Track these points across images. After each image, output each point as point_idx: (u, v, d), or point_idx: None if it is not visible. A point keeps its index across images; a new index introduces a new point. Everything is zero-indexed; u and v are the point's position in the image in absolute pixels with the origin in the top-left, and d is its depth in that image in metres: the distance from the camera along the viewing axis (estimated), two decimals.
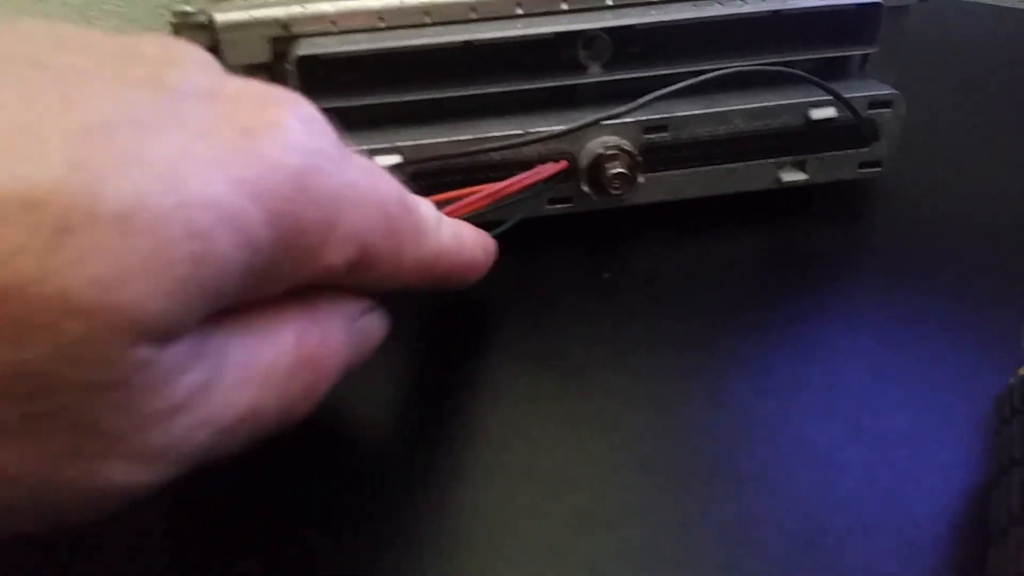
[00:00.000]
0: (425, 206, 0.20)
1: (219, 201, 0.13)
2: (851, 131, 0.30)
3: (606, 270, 0.29)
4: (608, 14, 0.29)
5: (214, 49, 0.28)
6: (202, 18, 0.28)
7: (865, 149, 0.31)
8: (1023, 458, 0.17)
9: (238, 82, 0.16)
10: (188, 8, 0.28)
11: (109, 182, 0.12)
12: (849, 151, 0.31)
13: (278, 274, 0.15)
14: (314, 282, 0.17)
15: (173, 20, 0.28)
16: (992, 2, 0.55)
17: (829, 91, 0.29)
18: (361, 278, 0.18)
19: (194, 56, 0.16)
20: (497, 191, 0.26)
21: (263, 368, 0.16)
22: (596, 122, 0.27)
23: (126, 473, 0.13)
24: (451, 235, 0.21)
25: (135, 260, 0.12)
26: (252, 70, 0.28)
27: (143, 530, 0.20)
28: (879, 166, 0.31)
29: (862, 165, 0.31)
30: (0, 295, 0.11)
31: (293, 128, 0.15)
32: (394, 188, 0.18)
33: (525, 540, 0.19)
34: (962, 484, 0.20)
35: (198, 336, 0.14)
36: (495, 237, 0.25)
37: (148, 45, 0.16)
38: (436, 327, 0.27)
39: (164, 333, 0.13)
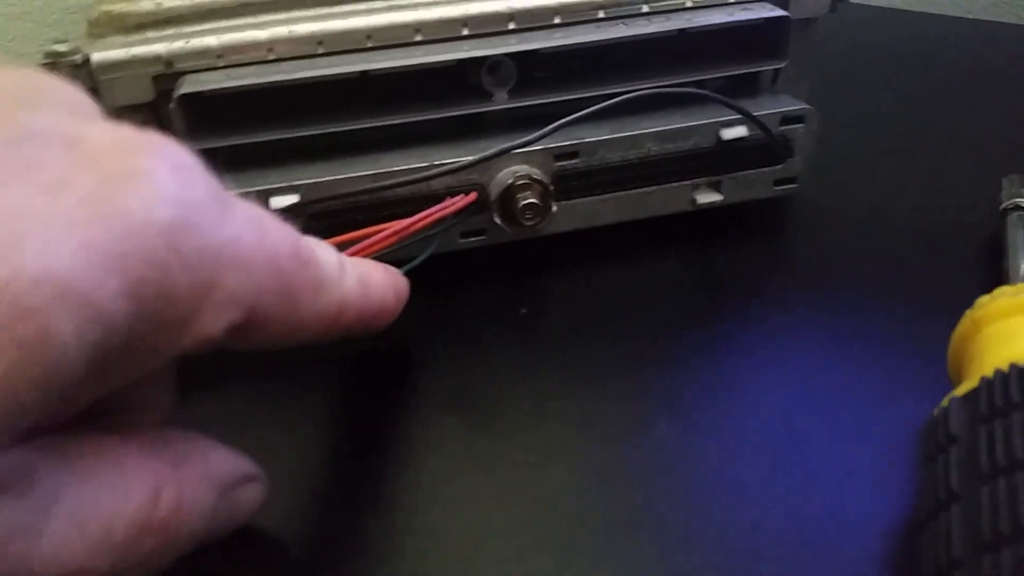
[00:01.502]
0: (325, 252, 0.18)
1: (59, 273, 0.11)
2: (764, 149, 0.30)
3: (524, 303, 0.28)
4: (511, 38, 0.28)
5: (94, 90, 0.26)
6: (77, 57, 0.26)
7: (779, 166, 0.30)
8: (948, 501, 0.16)
9: (104, 126, 0.14)
10: (60, 48, 0.26)
11: None
12: (763, 169, 0.30)
13: (138, 352, 0.13)
14: (188, 352, 0.14)
15: (45, 61, 0.26)
16: (903, 7, 0.56)
17: (738, 110, 0.28)
18: (250, 340, 0.16)
19: (57, 93, 0.14)
20: (404, 228, 0.25)
21: (101, 526, 0.13)
22: (504, 152, 0.26)
23: None
24: (356, 281, 0.19)
25: None
26: (133, 111, 0.26)
27: None
28: (795, 182, 0.31)
29: (777, 183, 0.31)
30: None
31: (163, 177, 0.13)
32: (286, 239, 0.16)
33: None
34: (890, 519, 0.19)
35: (27, 461, 0.12)
36: (405, 274, 0.23)
37: (6, 74, 0.14)
38: (347, 372, 0.26)
39: None
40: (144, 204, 0.13)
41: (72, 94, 0.15)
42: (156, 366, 0.14)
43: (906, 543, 0.19)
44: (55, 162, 0.12)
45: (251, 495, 0.18)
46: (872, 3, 0.56)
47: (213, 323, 0.14)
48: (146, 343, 0.13)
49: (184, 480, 0.15)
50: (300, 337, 0.17)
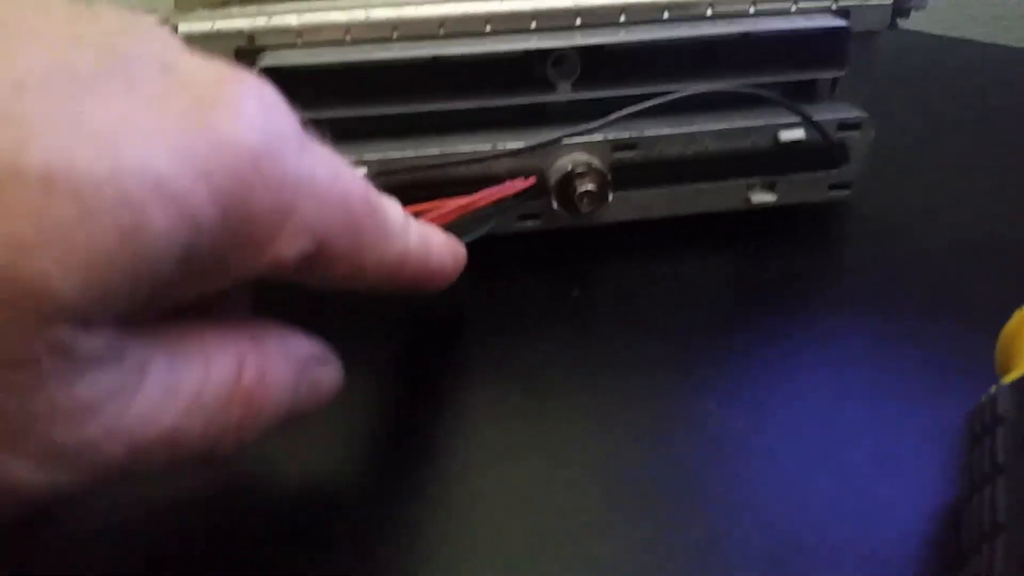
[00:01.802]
0: (392, 207, 0.19)
1: (159, 172, 0.12)
2: (820, 153, 0.30)
3: (575, 288, 0.29)
4: (577, 33, 0.29)
5: None
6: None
7: (834, 171, 0.31)
8: (993, 474, 0.16)
9: (197, 58, 0.15)
10: (151, 18, 0.27)
11: (37, 139, 0.11)
12: (818, 173, 0.31)
13: (222, 263, 0.14)
14: (263, 274, 0.15)
15: None
16: (956, 35, 0.56)
17: (798, 112, 0.29)
18: (316, 274, 0.17)
19: (153, 27, 0.15)
20: (464, 205, 0.26)
21: (190, 393, 0.14)
22: (563, 137, 0.27)
23: (27, 470, 0.12)
24: (419, 239, 0.20)
25: (55, 224, 0.11)
26: None
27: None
28: (848, 188, 0.31)
29: (831, 187, 0.31)
30: None
31: (251, 106, 0.14)
32: (359, 184, 0.17)
33: (487, 557, 0.19)
34: (933, 503, 0.20)
35: (120, 339, 0.13)
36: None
37: (107, 11, 0.15)
38: (403, 346, 0.27)
39: (82, 313, 0.12)
40: (234, 127, 0.14)
41: (161, 29, 0.16)
42: (234, 281, 0.15)
43: (948, 526, 0.19)
44: (153, 83, 0.13)
45: (329, 375, 0.19)
46: (927, 30, 0.56)
47: (288, 247, 0.15)
48: (227, 256, 0.14)
49: (265, 355, 0.16)
50: (363, 280, 0.18)
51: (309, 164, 0.15)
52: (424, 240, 0.20)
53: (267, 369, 0.16)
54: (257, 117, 0.14)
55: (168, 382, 0.14)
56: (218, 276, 0.15)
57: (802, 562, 0.19)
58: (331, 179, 0.16)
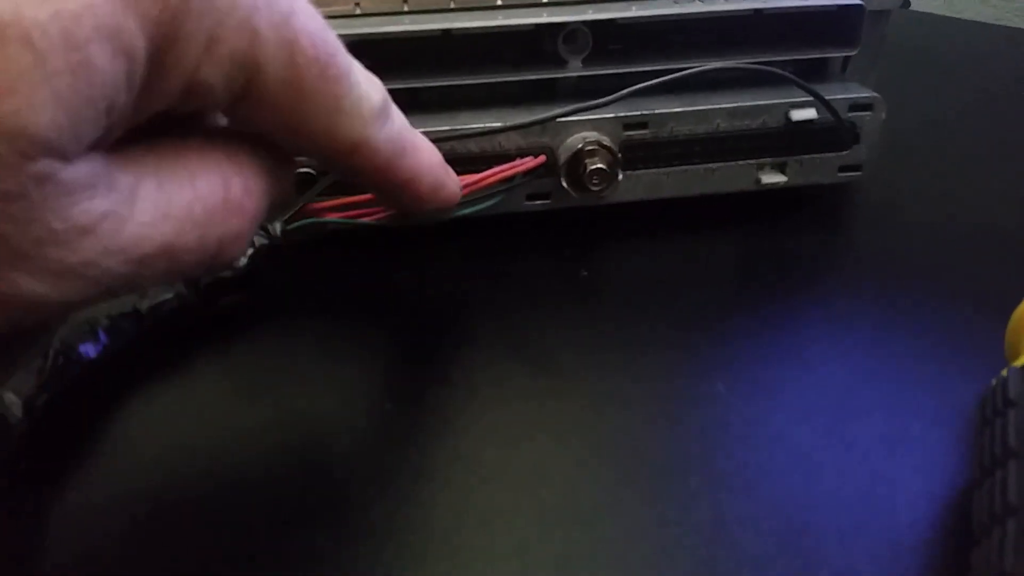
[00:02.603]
0: (369, 87, 0.18)
1: (95, 11, 0.13)
2: (831, 134, 0.30)
3: (584, 268, 0.29)
4: (589, 8, 0.28)
5: None
6: None
7: (845, 152, 0.30)
8: (1004, 457, 0.16)
9: None
10: None
11: None
12: (829, 154, 0.30)
13: (159, 87, 0.15)
14: (196, 105, 0.16)
15: None
16: (968, 17, 0.56)
17: (810, 91, 0.29)
18: (248, 119, 0.17)
19: None
20: (474, 182, 0.26)
21: (181, 209, 0.16)
22: (573, 112, 0.27)
23: (33, 285, 0.14)
24: (395, 137, 0.19)
25: (15, 70, 0.12)
26: None
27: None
28: (859, 170, 0.31)
29: (842, 169, 0.31)
30: None
31: None
32: (320, 39, 0.17)
33: (496, 537, 0.19)
34: (943, 486, 0.20)
35: (106, 168, 0.14)
36: (467, 217, 0.24)
37: None
38: (412, 323, 0.27)
39: (58, 147, 0.13)
40: None
41: None
42: (171, 103, 0.16)
43: (958, 509, 0.19)
44: None
45: (290, 174, 0.19)
46: (937, 12, 0.56)
47: (214, 72, 0.15)
48: (160, 79, 0.15)
49: (243, 167, 0.17)
50: (307, 148, 0.18)
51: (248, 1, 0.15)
52: (405, 145, 0.20)
53: (248, 180, 0.17)
54: None
55: (159, 201, 0.15)
56: (156, 99, 0.15)
57: (811, 545, 0.19)
58: (281, 19, 0.16)
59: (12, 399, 0.20)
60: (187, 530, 0.19)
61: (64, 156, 0.13)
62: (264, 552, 0.19)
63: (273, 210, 0.19)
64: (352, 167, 0.19)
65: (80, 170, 0.14)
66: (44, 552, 0.19)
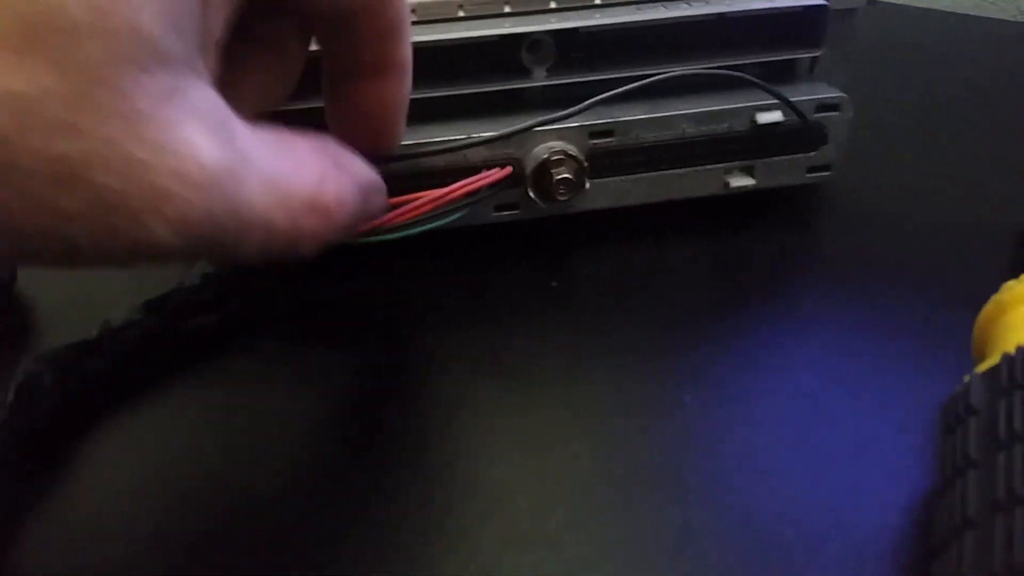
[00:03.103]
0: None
1: None
2: (799, 135, 0.30)
3: (554, 278, 0.29)
4: (552, 17, 0.28)
5: None
6: None
7: (813, 153, 0.30)
8: (964, 467, 0.16)
9: None
10: None
11: None
12: (797, 155, 0.30)
13: None
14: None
15: None
16: (942, 8, 0.56)
17: (775, 94, 0.29)
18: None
19: None
20: (440, 196, 0.26)
21: (284, 191, 0.17)
22: (538, 125, 0.27)
23: (162, 234, 0.14)
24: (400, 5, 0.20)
25: None
26: None
27: None
28: (828, 170, 0.31)
29: (810, 170, 0.31)
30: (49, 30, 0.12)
31: None
32: None
33: (463, 561, 0.19)
34: (908, 494, 0.20)
35: (227, 117, 0.15)
36: (432, 232, 0.25)
37: None
38: (381, 336, 0.27)
39: (164, 47, 0.14)
40: None
41: None
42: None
43: (922, 519, 0.19)
44: None
45: (380, 202, 0.22)
46: (907, 3, 0.56)
47: None
48: None
49: (342, 178, 0.19)
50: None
51: None
52: (404, 21, 0.21)
53: (341, 190, 0.18)
54: None
55: (268, 177, 0.16)
56: None
57: (778, 554, 0.19)
58: None
59: None
60: (166, 550, 0.19)
61: (178, 62, 0.14)
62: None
63: (349, 231, 0.20)
64: (363, 27, 0.20)
65: (202, 94, 0.15)
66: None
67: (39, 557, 0.20)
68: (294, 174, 0.17)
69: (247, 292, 0.27)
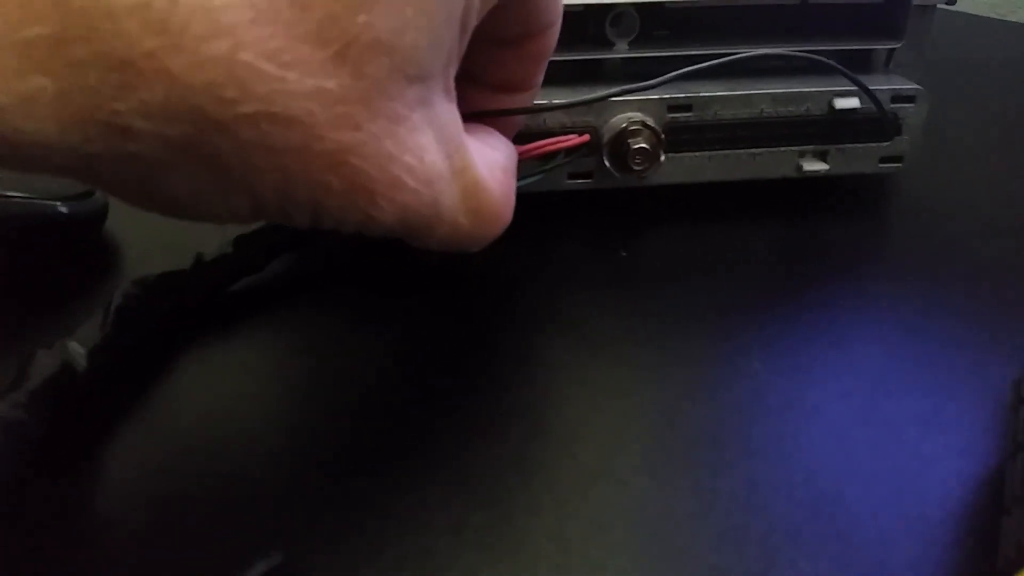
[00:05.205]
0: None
1: None
2: (874, 124, 0.30)
3: (624, 249, 0.29)
4: None
5: None
6: None
7: (887, 143, 0.31)
8: None
9: None
10: None
11: None
12: (871, 144, 0.31)
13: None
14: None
15: None
16: (1013, 20, 0.56)
17: (854, 80, 0.29)
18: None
19: None
20: (520, 152, 0.26)
21: (496, 167, 0.21)
22: (620, 93, 0.27)
23: (380, 215, 0.17)
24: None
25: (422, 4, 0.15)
26: None
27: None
28: (899, 162, 0.31)
29: (883, 160, 0.31)
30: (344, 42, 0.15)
31: None
32: None
33: (535, 494, 0.19)
34: (976, 464, 0.20)
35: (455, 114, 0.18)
36: None
37: None
38: (457, 296, 0.27)
39: (427, 66, 0.16)
40: None
41: None
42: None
43: (989, 488, 0.19)
44: None
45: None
46: (982, 14, 0.56)
47: None
48: None
49: (512, 190, 0.22)
50: (523, 18, 0.21)
51: None
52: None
53: (512, 202, 0.22)
54: None
55: (484, 158, 0.20)
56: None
57: (842, 513, 0.19)
58: None
59: (77, 349, 0.21)
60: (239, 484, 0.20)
61: (432, 78, 0.16)
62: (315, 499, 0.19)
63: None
64: (535, 49, 0.22)
65: (443, 107, 0.17)
66: (104, 491, 0.20)
67: (138, 454, 0.21)
68: (488, 189, 0.20)
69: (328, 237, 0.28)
